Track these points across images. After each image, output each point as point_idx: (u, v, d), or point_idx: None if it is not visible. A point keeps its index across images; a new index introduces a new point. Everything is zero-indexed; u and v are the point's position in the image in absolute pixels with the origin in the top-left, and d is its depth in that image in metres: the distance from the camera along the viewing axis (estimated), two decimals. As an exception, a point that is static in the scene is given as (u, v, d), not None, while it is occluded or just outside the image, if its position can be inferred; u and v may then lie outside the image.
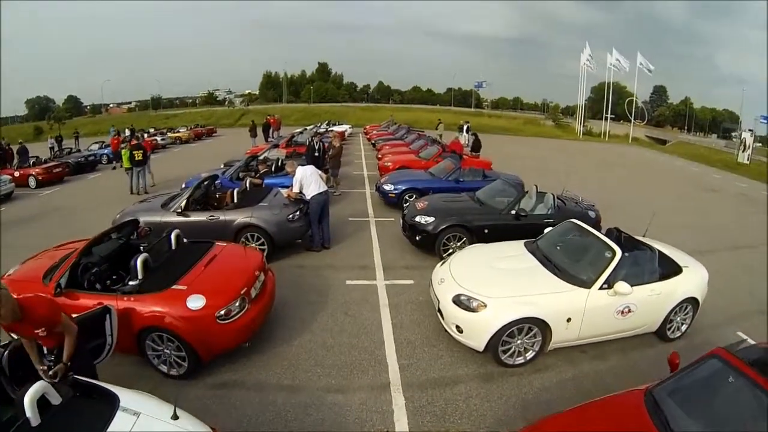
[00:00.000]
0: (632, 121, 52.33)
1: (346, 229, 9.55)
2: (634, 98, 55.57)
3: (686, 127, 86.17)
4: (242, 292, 4.75)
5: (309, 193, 7.88)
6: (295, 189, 7.94)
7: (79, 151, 23.18)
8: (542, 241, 6.14)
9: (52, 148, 26.43)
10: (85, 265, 5.04)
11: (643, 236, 6.32)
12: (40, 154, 21.55)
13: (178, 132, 35.65)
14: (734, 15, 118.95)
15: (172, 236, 5.59)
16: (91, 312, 4.13)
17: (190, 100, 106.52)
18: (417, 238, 7.88)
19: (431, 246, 7.75)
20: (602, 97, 55.54)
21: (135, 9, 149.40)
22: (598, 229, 6.79)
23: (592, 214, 8.38)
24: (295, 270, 7.40)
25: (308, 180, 7.89)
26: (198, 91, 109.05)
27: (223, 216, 7.58)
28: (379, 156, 16.95)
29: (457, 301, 4.97)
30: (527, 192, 8.20)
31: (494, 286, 5.07)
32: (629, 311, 5.07)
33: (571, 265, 5.40)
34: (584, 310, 4.89)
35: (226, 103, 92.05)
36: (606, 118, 50.52)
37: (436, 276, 5.70)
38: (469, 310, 4.85)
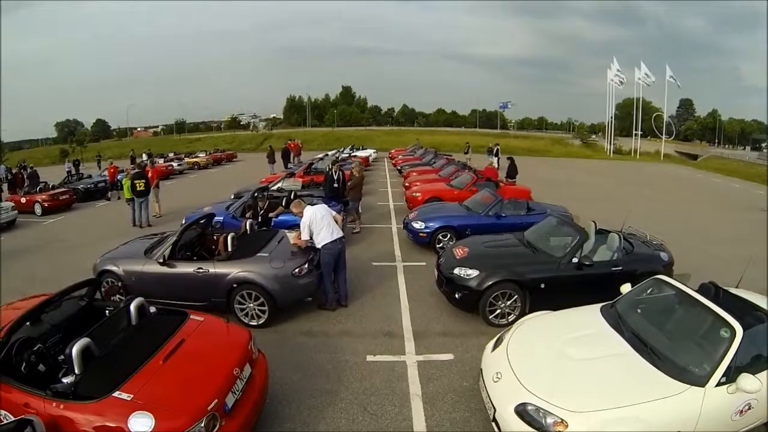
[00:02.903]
0: (663, 137, 51.03)
1: (367, 278, 7.94)
2: (664, 113, 54.46)
3: (716, 141, 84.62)
4: (211, 408, 3.26)
5: (320, 240, 6.36)
6: (304, 236, 6.42)
7: (90, 177, 22.51)
8: (624, 307, 4.60)
9: (69, 172, 25.95)
10: (26, 341, 3.78)
11: (737, 287, 4.83)
12: (59, 177, 21.26)
13: (196, 157, 35.34)
14: (758, 26, 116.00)
15: (132, 308, 4.22)
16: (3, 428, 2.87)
17: (215, 125, 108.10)
18: (456, 295, 6.25)
19: (474, 305, 6.15)
20: (627, 114, 55.09)
21: (166, 35, 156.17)
22: (670, 274, 5.66)
23: (664, 256, 6.82)
24: (302, 339, 5.85)
25: (319, 224, 6.34)
26: (224, 115, 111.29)
27: (213, 268, 6.13)
28: (406, 185, 15.53)
29: (523, 412, 3.44)
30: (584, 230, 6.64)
31: (576, 389, 3.52)
32: (749, 409, 3.54)
33: (673, 348, 3.87)
34: (698, 418, 3.35)
35: (250, 127, 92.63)
36: (636, 135, 49.21)
37: (489, 367, 4.12)
38: (541, 430, 3.31)
